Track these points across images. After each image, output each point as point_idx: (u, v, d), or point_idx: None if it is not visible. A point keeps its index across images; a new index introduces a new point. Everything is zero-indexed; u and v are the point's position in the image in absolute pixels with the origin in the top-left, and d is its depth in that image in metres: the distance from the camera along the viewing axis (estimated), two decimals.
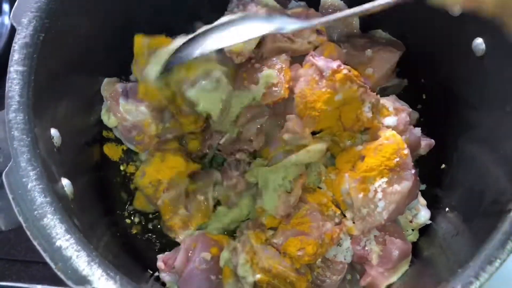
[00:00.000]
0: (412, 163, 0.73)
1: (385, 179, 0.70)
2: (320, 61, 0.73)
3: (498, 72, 0.67)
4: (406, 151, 0.71)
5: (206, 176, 0.83)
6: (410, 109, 0.81)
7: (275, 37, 0.81)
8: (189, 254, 0.71)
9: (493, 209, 0.60)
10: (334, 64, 0.71)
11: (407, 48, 0.88)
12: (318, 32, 0.83)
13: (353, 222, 0.74)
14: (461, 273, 0.53)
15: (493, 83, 0.68)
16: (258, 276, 0.70)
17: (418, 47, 0.86)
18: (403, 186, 0.70)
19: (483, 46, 0.69)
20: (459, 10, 0.69)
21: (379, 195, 0.70)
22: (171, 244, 0.81)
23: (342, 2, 0.90)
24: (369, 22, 0.91)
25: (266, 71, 0.77)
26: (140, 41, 0.79)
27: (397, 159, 0.70)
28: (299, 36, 0.82)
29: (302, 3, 0.90)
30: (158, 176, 0.79)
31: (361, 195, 0.71)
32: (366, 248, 0.74)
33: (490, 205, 0.63)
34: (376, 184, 0.70)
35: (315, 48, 0.82)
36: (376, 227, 0.73)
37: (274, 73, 0.77)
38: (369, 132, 0.76)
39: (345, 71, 0.70)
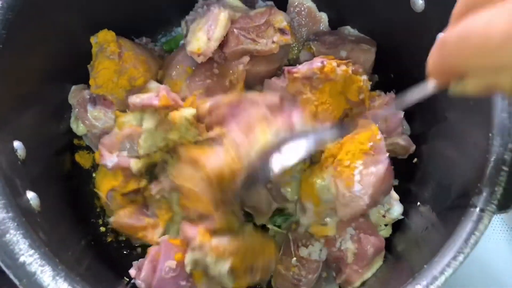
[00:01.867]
0: (385, 149, 0.74)
1: (360, 162, 0.72)
2: (303, 68, 0.75)
3: None
4: (379, 136, 0.74)
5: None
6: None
7: (238, 38, 0.81)
8: (154, 264, 0.71)
9: (459, 203, 0.61)
10: (318, 63, 0.74)
11: (376, 43, 0.88)
12: (281, 31, 0.82)
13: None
14: (427, 268, 0.54)
15: None
16: (229, 260, 0.69)
17: (386, 42, 0.87)
18: (378, 168, 0.71)
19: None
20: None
21: (357, 177, 0.71)
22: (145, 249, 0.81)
23: (310, 1, 0.90)
24: (337, 19, 0.92)
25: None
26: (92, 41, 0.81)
27: (371, 143, 0.72)
28: (262, 37, 0.82)
29: (269, 3, 0.89)
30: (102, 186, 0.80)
31: (343, 180, 0.72)
32: (342, 248, 0.75)
33: (457, 199, 0.64)
34: (354, 167, 0.72)
35: (280, 47, 0.82)
36: (359, 213, 0.73)
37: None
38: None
39: (333, 63, 0.75)
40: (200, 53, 0.79)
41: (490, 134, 0.58)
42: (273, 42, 0.83)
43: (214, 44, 0.78)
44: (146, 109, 0.76)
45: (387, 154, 0.73)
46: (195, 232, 0.69)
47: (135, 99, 0.76)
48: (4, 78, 0.61)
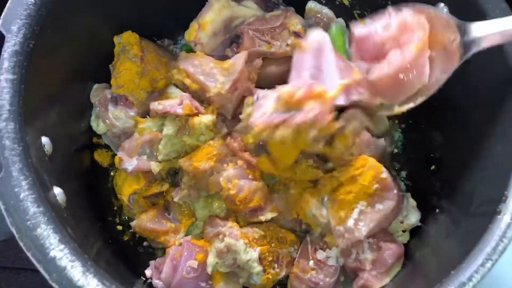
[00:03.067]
0: (394, 182, 0.73)
1: (364, 202, 0.71)
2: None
3: (484, 73, 0.68)
4: (385, 175, 0.71)
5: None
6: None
7: (253, 39, 0.82)
8: (175, 263, 0.71)
9: (483, 211, 0.61)
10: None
11: None
12: (296, 34, 0.83)
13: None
14: (454, 274, 0.54)
15: (481, 84, 0.70)
16: (258, 249, 0.71)
17: None
18: (385, 205, 0.71)
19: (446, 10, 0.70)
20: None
21: (355, 215, 0.71)
22: (164, 249, 0.81)
23: (328, 10, 0.90)
24: None
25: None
26: (115, 41, 0.82)
27: (376, 186, 0.71)
28: (277, 39, 0.83)
29: (290, 8, 0.90)
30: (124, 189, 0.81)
31: (337, 218, 0.72)
32: (360, 258, 0.75)
33: (480, 206, 0.64)
34: (355, 207, 0.71)
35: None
36: (356, 242, 0.72)
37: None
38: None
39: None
40: (191, 41, 0.81)
41: None
42: (287, 45, 0.84)
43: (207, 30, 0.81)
44: (167, 115, 0.77)
45: (395, 190, 0.72)
46: (225, 222, 0.72)
47: (158, 106, 0.77)
48: (35, 74, 0.62)
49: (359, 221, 0.70)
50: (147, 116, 0.82)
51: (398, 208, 0.75)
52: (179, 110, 0.75)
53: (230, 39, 0.87)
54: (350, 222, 0.70)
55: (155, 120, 0.80)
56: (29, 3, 0.62)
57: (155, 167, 0.78)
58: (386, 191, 0.71)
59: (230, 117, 0.81)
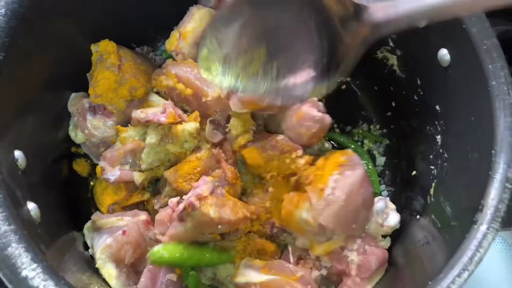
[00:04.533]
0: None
1: (336, 171, 0.73)
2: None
3: (463, 82, 0.68)
4: (351, 151, 0.78)
5: None
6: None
7: None
8: (153, 274, 0.70)
9: (461, 219, 0.62)
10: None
11: (376, 56, 0.89)
12: None
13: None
14: (432, 285, 0.54)
15: (458, 93, 0.70)
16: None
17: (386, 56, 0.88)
18: (355, 171, 0.73)
19: (448, 57, 0.70)
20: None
21: (331, 184, 0.71)
22: None
23: None
24: None
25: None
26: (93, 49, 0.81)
27: (344, 157, 0.75)
28: None
29: None
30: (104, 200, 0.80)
31: (317, 191, 0.72)
32: (348, 260, 0.75)
33: (458, 214, 0.64)
34: (329, 178, 0.72)
35: None
36: (338, 211, 0.71)
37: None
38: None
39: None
40: (172, 50, 0.81)
41: (493, 151, 0.59)
42: None
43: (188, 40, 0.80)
44: (150, 124, 0.76)
45: (363, 165, 0.75)
46: None
47: (140, 114, 0.76)
48: (6, 86, 0.60)
49: (335, 189, 0.71)
50: (128, 125, 0.81)
51: (367, 187, 0.75)
52: (163, 119, 0.74)
53: None
54: (328, 191, 0.71)
55: (137, 128, 0.79)
56: None
57: (137, 177, 0.77)
58: (355, 162, 0.74)
59: (224, 122, 0.80)
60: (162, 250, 0.68)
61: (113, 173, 0.78)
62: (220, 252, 0.74)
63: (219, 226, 0.69)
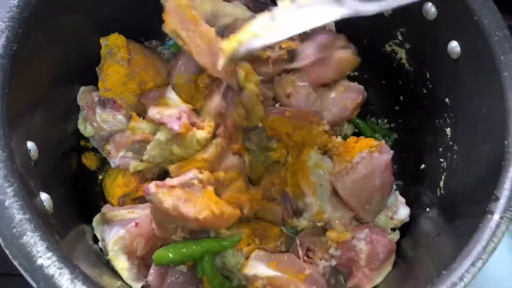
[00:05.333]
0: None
1: (366, 151, 0.75)
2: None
3: (474, 74, 0.68)
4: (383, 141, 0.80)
5: None
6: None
7: None
8: (162, 271, 0.70)
9: (473, 210, 0.61)
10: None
11: (385, 49, 0.89)
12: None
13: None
14: (446, 274, 0.54)
15: (469, 85, 0.70)
16: (245, 250, 0.74)
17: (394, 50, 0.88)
18: (382, 156, 0.75)
19: (458, 49, 0.70)
20: None
21: (358, 159, 0.74)
22: None
23: None
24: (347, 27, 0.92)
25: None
26: (102, 43, 0.81)
27: (376, 142, 0.77)
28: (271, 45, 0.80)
29: None
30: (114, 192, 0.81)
31: (342, 161, 0.76)
32: (357, 248, 0.75)
33: (470, 205, 0.64)
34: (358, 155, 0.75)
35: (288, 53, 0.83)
36: (355, 182, 0.74)
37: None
38: None
39: None
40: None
41: (506, 142, 0.59)
42: (281, 48, 0.83)
43: None
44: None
45: (392, 154, 0.77)
46: None
47: (156, 115, 0.76)
48: (19, 78, 0.60)
49: (360, 164, 0.74)
50: (141, 117, 0.81)
51: (389, 183, 0.77)
52: (176, 127, 0.74)
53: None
54: (353, 163, 0.74)
55: (149, 124, 0.80)
56: (12, 5, 0.61)
57: (133, 166, 0.78)
58: (385, 149, 0.76)
59: (237, 87, 0.77)
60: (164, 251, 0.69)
61: (113, 161, 0.80)
62: (219, 239, 0.74)
63: (185, 222, 0.67)
